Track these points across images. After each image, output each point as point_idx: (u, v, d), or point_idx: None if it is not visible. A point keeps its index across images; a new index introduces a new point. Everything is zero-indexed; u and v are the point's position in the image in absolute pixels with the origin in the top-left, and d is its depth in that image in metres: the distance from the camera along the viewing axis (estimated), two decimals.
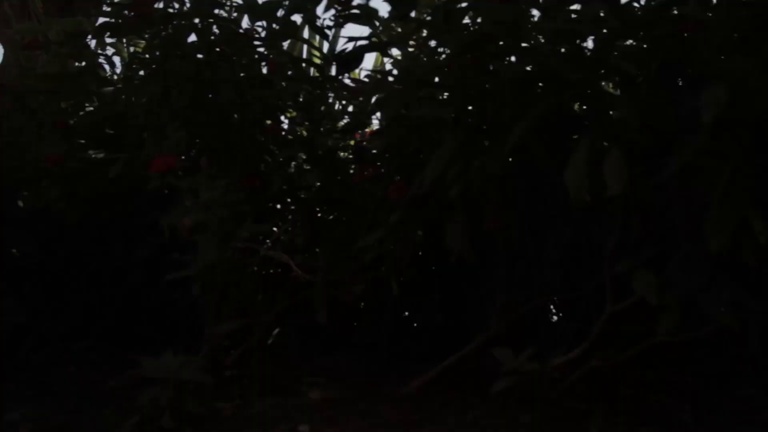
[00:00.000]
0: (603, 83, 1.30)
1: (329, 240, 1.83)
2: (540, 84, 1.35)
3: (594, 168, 1.25)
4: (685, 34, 1.17)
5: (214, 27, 2.19)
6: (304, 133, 2.21)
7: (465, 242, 1.61)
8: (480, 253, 1.65)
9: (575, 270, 1.66)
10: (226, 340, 2.00)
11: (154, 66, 2.16)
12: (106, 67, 2.90)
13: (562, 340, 1.67)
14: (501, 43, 1.48)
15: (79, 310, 2.49)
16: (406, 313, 2.20)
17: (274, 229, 2.10)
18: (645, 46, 1.23)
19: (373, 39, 2.01)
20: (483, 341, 1.70)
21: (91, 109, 2.68)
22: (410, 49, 1.93)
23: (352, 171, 1.91)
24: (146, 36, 2.35)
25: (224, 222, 1.69)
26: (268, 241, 2.01)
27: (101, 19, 2.63)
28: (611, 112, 1.22)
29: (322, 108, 1.94)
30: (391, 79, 1.89)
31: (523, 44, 1.40)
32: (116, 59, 3.09)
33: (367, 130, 2.34)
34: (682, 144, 1.14)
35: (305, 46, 2.55)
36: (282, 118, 2.01)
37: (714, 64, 1.10)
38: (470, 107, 1.45)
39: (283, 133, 1.99)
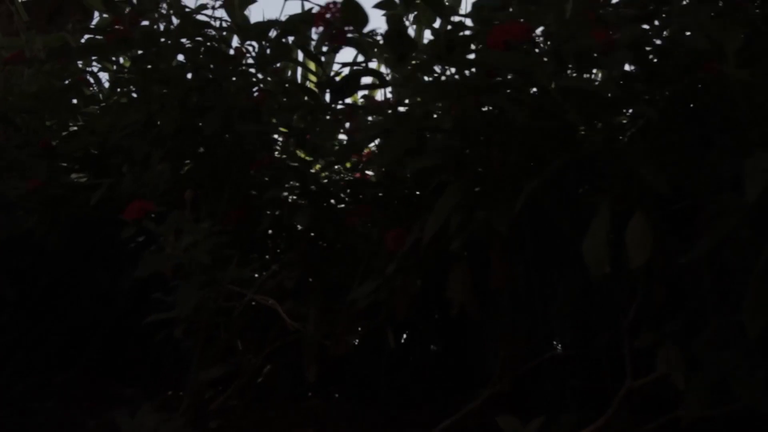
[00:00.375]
0: (625, 134, 1.14)
1: (321, 285, 1.68)
2: (553, 128, 1.19)
3: (613, 229, 1.10)
4: (724, 92, 1.01)
5: (202, 48, 2.04)
6: (299, 155, 2.06)
7: (467, 293, 1.47)
8: (483, 303, 1.51)
9: (587, 322, 1.51)
10: (210, 388, 1.86)
11: (138, 89, 2.00)
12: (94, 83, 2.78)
13: (572, 399, 1.53)
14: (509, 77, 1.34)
15: (62, 340, 2.35)
16: (405, 347, 2.05)
17: (268, 257, 1.97)
18: (673, 99, 1.07)
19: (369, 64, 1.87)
20: (486, 398, 1.55)
21: (75, 128, 2.53)
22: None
23: (346, 203, 1.75)
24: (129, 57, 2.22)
25: (207, 269, 1.55)
26: (257, 275, 1.86)
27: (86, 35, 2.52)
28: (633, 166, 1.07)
29: (314, 142, 1.78)
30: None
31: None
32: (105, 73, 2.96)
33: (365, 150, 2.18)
34: (717, 214, 0.99)
35: (299, 68, 2.40)
36: (273, 146, 1.85)
37: (757, 128, 0.94)
38: (474, 153, 1.30)
39: (276, 156, 1.83)
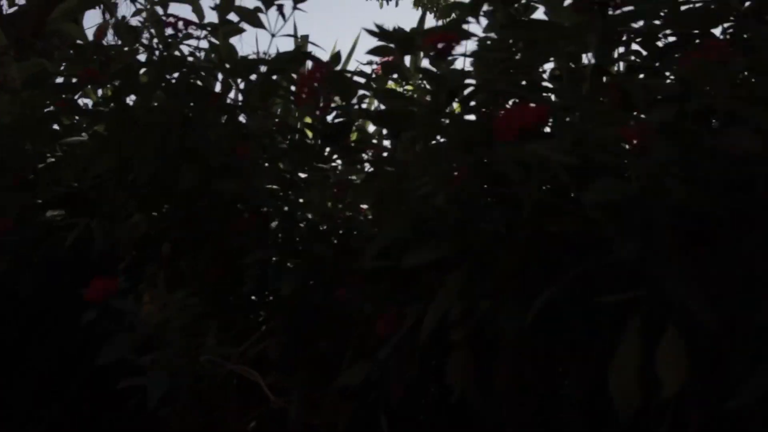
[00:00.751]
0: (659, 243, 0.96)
1: (307, 358, 1.52)
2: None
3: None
4: None
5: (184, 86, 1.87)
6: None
7: (468, 381, 1.30)
8: (488, 390, 1.34)
9: (601, 407, 1.34)
10: None
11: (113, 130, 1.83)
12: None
13: None
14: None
15: (31, 392, 2.19)
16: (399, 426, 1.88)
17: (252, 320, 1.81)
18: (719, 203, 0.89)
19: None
20: None
21: (53, 160, 2.37)
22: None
23: (335, 269, 1.57)
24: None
25: (180, 349, 1.39)
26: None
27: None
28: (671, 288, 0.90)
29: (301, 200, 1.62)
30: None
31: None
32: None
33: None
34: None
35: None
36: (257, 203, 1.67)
37: None
38: (477, 233, 1.13)
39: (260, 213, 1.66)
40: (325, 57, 2.21)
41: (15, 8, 4.03)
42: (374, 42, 1.39)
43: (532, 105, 0.91)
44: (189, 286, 1.73)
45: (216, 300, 1.67)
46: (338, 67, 1.72)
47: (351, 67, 3.02)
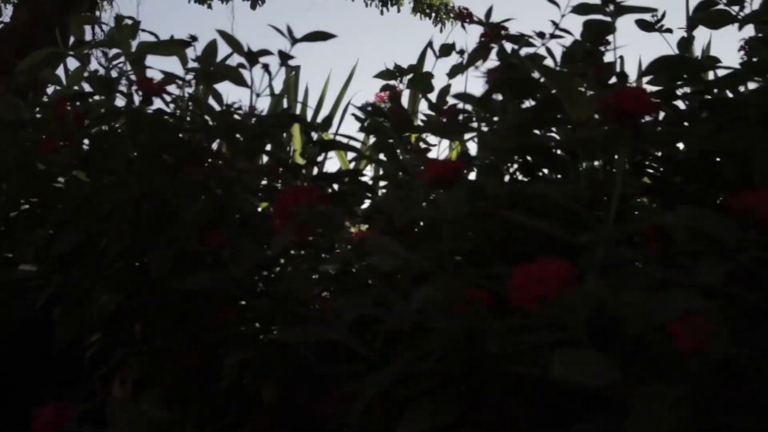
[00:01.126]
0: None
1: None
2: None
3: None
4: None
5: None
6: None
7: None
8: None
9: None
10: None
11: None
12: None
13: None
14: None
15: None
16: None
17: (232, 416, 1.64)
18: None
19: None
20: None
21: (27, 207, 2.19)
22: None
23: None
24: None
25: None
26: None
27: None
28: None
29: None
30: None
31: None
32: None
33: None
34: None
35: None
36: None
37: None
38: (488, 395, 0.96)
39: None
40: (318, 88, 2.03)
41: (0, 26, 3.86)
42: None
43: (555, 260, 0.73)
44: (163, 372, 1.58)
45: (192, 391, 1.50)
46: (327, 132, 1.55)
47: (348, 92, 2.87)
